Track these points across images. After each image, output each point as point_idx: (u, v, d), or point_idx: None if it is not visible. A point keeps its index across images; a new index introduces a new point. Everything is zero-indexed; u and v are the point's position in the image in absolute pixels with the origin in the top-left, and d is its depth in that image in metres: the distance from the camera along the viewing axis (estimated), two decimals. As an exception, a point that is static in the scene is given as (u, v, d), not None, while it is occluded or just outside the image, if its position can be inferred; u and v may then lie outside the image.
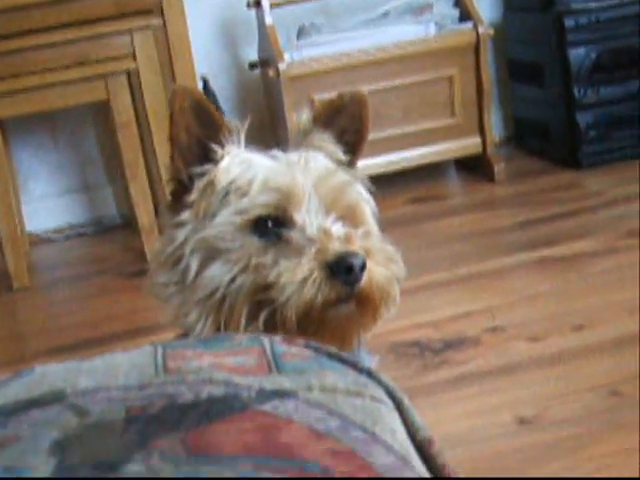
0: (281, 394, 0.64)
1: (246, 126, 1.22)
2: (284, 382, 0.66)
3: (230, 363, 0.69)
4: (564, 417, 1.94)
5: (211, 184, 1.18)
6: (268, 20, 3.57)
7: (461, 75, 3.67)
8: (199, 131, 1.19)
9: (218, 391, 0.64)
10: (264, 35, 3.64)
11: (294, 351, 0.73)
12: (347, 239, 1.12)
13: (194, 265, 1.15)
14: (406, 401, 0.68)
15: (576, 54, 3.61)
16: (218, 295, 1.12)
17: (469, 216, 3.42)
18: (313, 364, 0.70)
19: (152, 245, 3.09)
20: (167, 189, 1.24)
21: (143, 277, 1.27)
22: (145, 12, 3.25)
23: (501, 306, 2.55)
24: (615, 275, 2.62)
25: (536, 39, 3.82)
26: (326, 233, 1.12)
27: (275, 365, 0.69)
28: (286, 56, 3.49)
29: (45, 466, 0.57)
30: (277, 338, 0.76)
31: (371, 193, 1.24)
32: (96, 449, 0.59)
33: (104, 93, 3.21)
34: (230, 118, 1.25)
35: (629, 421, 1.87)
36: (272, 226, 1.14)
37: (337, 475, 0.55)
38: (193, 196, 1.18)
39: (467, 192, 3.78)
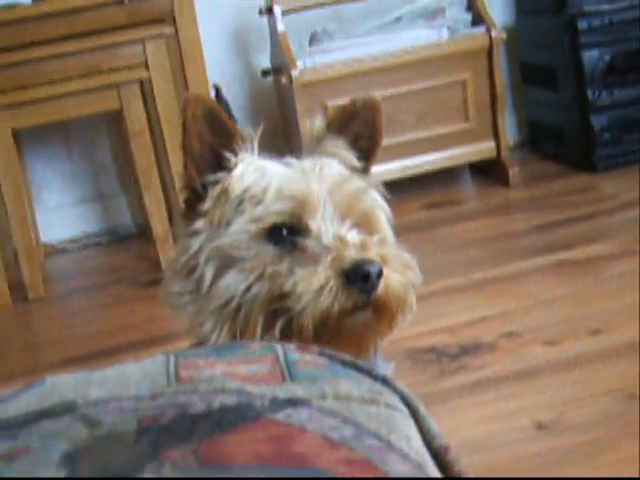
0: (294, 403, 0.63)
1: (259, 133, 1.22)
2: (297, 390, 0.65)
3: (243, 372, 0.69)
4: (581, 421, 1.93)
5: (225, 192, 1.17)
6: (280, 27, 3.57)
7: (474, 79, 3.66)
8: (212, 139, 1.18)
9: (230, 400, 0.63)
10: (276, 42, 3.64)
11: (308, 359, 0.72)
12: (363, 246, 1.10)
13: (209, 274, 1.14)
14: (422, 408, 0.68)
15: (589, 56, 3.60)
16: (233, 304, 1.11)
17: (484, 221, 3.41)
18: (327, 372, 0.70)
19: (167, 254, 3.09)
20: (181, 197, 1.23)
21: (158, 286, 1.26)
22: (157, 21, 3.25)
23: (517, 311, 2.53)
24: (631, 278, 2.60)
25: (549, 42, 3.81)
26: (342, 241, 1.11)
27: (288, 373, 0.69)
28: (299, 63, 3.49)
29: (55, 478, 0.56)
30: (291, 346, 0.75)
31: (386, 199, 1.23)
32: (107, 461, 0.58)
33: (117, 102, 3.21)
34: (243, 126, 1.24)
35: (647, 425, 1.86)
36: (287, 234, 1.13)
37: (352, 485, 0.54)
38: (207, 204, 1.18)
39: (482, 197, 3.77)
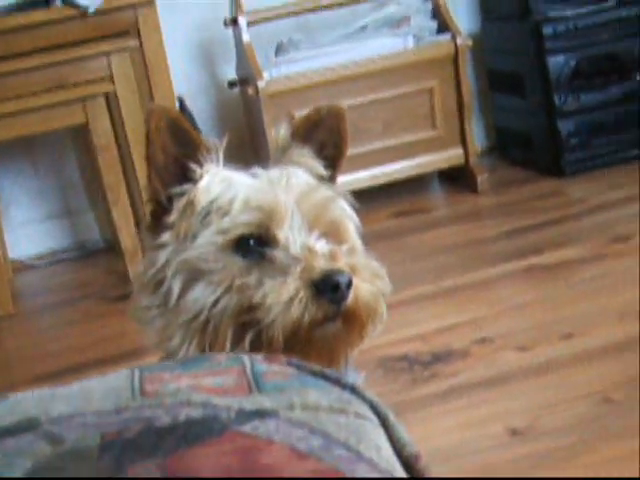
0: (261, 414, 0.62)
1: (225, 144, 1.20)
2: (264, 401, 0.64)
3: (209, 384, 0.68)
4: (555, 426, 1.93)
5: (191, 204, 1.15)
6: (245, 38, 3.56)
7: (441, 87, 3.66)
8: (176, 150, 1.16)
9: (196, 413, 0.62)
10: (242, 53, 3.64)
11: (275, 369, 0.71)
12: (332, 256, 1.09)
13: (176, 287, 1.13)
14: (391, 417, 0.67)
15: (555, 62, 3.61)
16: (202, 317, 1.10)
17: (453, 228, 3.41)
18: (295, 382, 0.69)
19: (136, 268, 3.07)
20: (146, 210, 1.22)
21: (127, 301, 1.24)
22: (121, 34, 3.24)
23: (488, 317, 2.54)
24: (602, 282, 2.61)
25: (515, 48, 3.82)
26: (310, 251, 1.09)
27: (255, 384, 0.68)
28: (265, 73, 3.48)
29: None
30: (258, 357, 0.74)
31: (354, 208, 1.22)
32: (69, 478, 0.57)
33: (83, 116, 3.19)
34: (209, 137, 1.23)
35: (621, 428, 1.86)
36: (255, 245, 1.12)
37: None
38: (173, 217, 1.16)
39: (451, 203, 3.78)
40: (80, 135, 3.70)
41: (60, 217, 3.97)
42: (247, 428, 0.60)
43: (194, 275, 1.12)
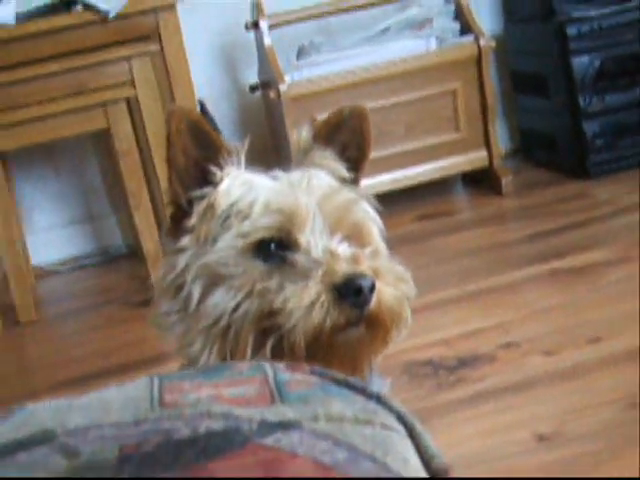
0: (284, 425, 0.60)
1: (246, 147, 1.18)
2: (288, 412, 0.62)
3: (230, 394, 0.65)
4: (582, 432, 1.89)
5: (211, 207, 1.13)
6: (267, 41, 3.55)
7: (464, 89, 3.64)
8: (197, 153, 1.15)
9: (217, 425, 0.60)
10: (263, 57, 3.62)
11: (299, 378, 0.69)
12: (354, 260, 1.07)
13: (196, 292, 1.11)
14: (418, 427, 0.64)
15: (579, 62, 3.58)
16: (222, 323, 1.08)
17: (478, 231, 3.38)
18: (319, 391, 0.66)
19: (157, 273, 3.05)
20: (167, 213, 1.20)
21: (149, 306, 1.22)
22: (142, 38, 3.23)
23: (514, 321, 2.50)
24: (629, 285, 2.58)
25: (538, 49, 3.79)
26: (332, 254, 1.07)
27: (278, 394, 0.65)
28: (286, 77, 3.47)
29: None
30: (280, 365, 0.72)
31: (377, 211, 1.20)
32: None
33: (104, 121, 3.18)
34: (231, 140, 1.21)
35: (650, 434, 1.83)
36: (276, 249, 1.10)
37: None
38: (193, 220, 1.14)
39: (475, 206, 3.74)
40: (101, 140, 3.69)
41: (82, 222, 3.96)
42: (269, 440, 0.58)
43: (214, 280, 1.10)
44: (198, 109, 3.53)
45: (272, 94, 3.47)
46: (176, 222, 1.17)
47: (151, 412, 0.62)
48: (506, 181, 3.68)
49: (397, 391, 1.23)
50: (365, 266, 1.07)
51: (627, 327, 2.30)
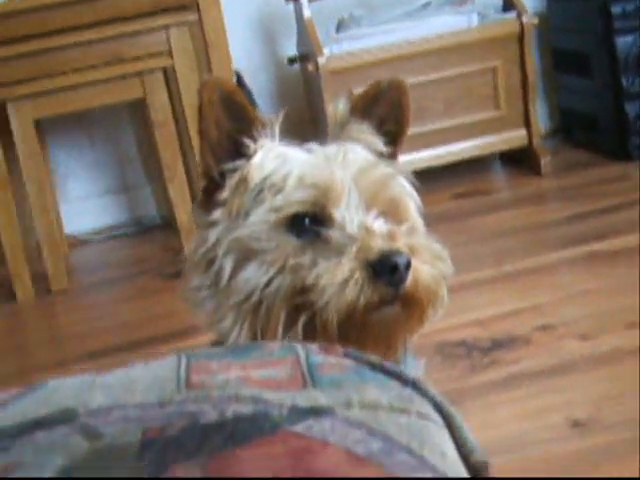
0: (316, 412, 0.57)
1: (280, 119, 1.15)
2: (320, 398, 0.59)
3: (260, 376, 0.62)
4: (618, 419, 1.86)
5: (244, 181, 1.11)
6: (307, 13, 3.51)
7: (505, 66, 3.58)
8: (230, 125, 1.12)
9: (245, 409, 0.57)
10: (303, 29, 3.59)
11: (332, 361, 0.66)
12: (390, 236, 1.04)
13: (228, 267, 1.08)
14: (458, 418, 0.61)
15: (623, 42, 3.51)
16: (254, 299, 1.05)
17: (515, 211, 3.33)
18: (353, 376, 0.63)
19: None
20: (199, 186, 1.17)
21: (180, 279, 1.20)
22: (181, 8, 3.20)
23: (550, 303, 2.46)
24: (668, 269, 2.53)
25: (581, 27, 3.72)
26: (368, 230, 1.04)
27: (310, 378, 0.62)
28: (325, 50, 3.43)
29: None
30: (313, 347, 0.69)
31: (414, 187, 1.16)
32: (105, 478, 0.52)
33: (140, 91, 3.16)
34: (267, 113, 1.18)
35: (687, 422, 1.79)
36: (309, 224, 1.07)
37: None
38: (225, 194, 1.11)
39: (513, 186, 3.69)
40: (137, 109, 3.67)
41: (117, 192, 3.95)
42: (300, 427, 0.55)
43: (246, 254, 1.07)
44: (234, 80, 3.50)
45: (310, 67, 3.43)
46: (208, 195, 1.14)
47: (177, 393, 0.60)
48: (545, 161, 3.62)
49: (429, 371, 1.20)
50: (401, 243, 1.04)
51: (666, 312, 2.26)
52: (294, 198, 1.07)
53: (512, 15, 3.56)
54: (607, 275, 2.59)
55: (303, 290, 1.03)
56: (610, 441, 1.78)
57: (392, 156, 1.18)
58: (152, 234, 3.83)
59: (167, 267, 3.30)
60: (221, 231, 1.10)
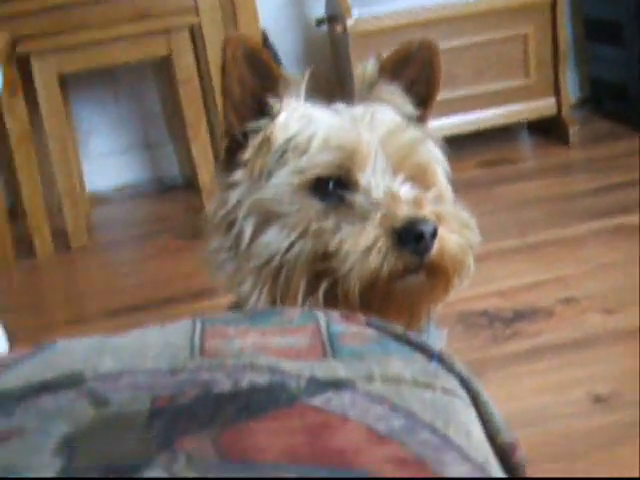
0: (336, 384, 0.54)
1: (306, 78, 1.12)
2: (340, 369, 0.56)
3: (278, 344, 0.59)
4: (641, 395, 1.83)
5: (267, 141, 1.07)
6: (336, -26, 3.46)
7: (536, 33, 3.52)
8: (253, 83, 1.08)
9: (262, 379, 0.54)
10: (331, -10, 3.54)
11: (354, 330, 0.63)
12: (417, 203, 1.01)
13: (248, 230, 1.05)
14: (484, 394, 0.58)
15: (658, 12, 3.44)
16: (274, 263, 1.02)
17: (541, 181, 3.29)
18: (375, 347, 0.60)
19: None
20: (221, 145, 1.14)
21: (200, 240, 1.17)
22: (209, -35, 3.16)
23: (574, 276, 2.42)
24: (695, 244, 2.48)
25: (615, -4, 3.65)
26: (393, 196, 1.01)
27: (330, 347, 0.59)
28: (354, 12, 3.38)
29: (48, 468, 0.47)
30: (335, 314, 0.66)
31: (444, 153, 1.13)
32: (111, 448, 0.49)
33: (166, 48, 3.12)
34: (292, 72, 1.15)
35: None
36: (334, 188, 1.03)
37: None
38: (247, 154, 1.08)
39: (540, 155, 3.64)
40: (162, 66, 3.64)
41: (139, 150, 3.92)
42: (318, 400, 0.52)
43: (267, 217, 1.04)
44: (260, 39, 3.46)
45: (338, 29, 3.39)
46: (230, 155, 1.11)
47: (190, 360, 0.57)
48: (573, 131, 3.57)
49: (451, 341, 1.18)
50: (428, 210, 1.01)
51: (692, 288, 2.22)
52: (318, 160, 1.03)
53: (545, -19, 3.50)
54: (632, 249, 2.55)
55: (325, 256, 1.00)
56: (632, 417, 1.76)
57: (421, 119, 1.15)
58: (173, 193, 3.80)
59: (188, 227, 3.28)
60: (242, 192, 1.07)
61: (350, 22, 3.34)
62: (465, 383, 0.59)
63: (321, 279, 1.00)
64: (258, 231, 1.04)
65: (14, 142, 3.14)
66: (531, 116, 3.65)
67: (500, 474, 0.51)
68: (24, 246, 3.23)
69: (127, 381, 0.55)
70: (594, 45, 3.91)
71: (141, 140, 3.92)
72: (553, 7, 3.48)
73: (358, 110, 1.10)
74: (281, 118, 1.08)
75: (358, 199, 1.01)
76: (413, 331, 0.67)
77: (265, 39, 3.50)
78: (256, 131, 1.08)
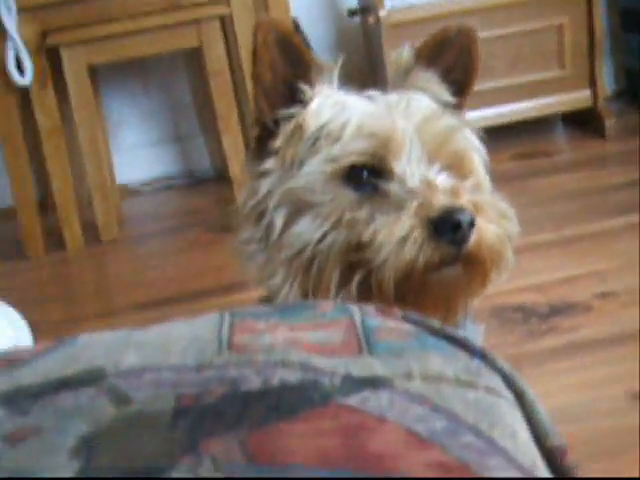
0: (373, 383, 0.50)
1: (339, 64, 1.09)
2: (376, 366, 0.52)
3: (310, 339, 0.56)
4: (680, 393, 1.78)
5: (299, 128, 1.04)
6: (369, -36, 3.42)
7: (572, 24, 3.46)
8: (285, 69, 1.05)
9: (293, 377, 0.50)
10: (364, -20, 3.50)
11: (390, 325, 0.59)
12: (453, 192, 0.97)
13: (279, 220, 1.02)
14: (530, 393, 0.54)
15: (696, 2, 3.38)
16: (306, 255, 1.00)
17: (577, 174, 3.23)
18: (414, 343, 0.57)
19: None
20: (252, 133, 1.11)
21: (231, 233, 1.15)
22: (240, -45, 3.13)
23: (611, 270, 2.38)
24: None
25: (653, -14, 3.59)
26: (429, 185, 0.98)
27: (366, 343, 0.56)
28: (387, 2, 3.34)
29: (66, 469, 0.44)
30: (370, 308, 0.62)
31: (482, 141, 1.09)
32: (132, 449, 0.46)
33: (197, 40, 3.10)
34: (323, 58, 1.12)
35: None
36: (367, 176, 1.01)
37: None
38: (279, 142, 1.05)
39: (575, 148, 3.59)
40: (193, 57, 3.61)
41: (170, 142, 3.89)
42: (354, 400, 0.48)
43: (299, 207, 1.01)
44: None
45: (371, 19, 3.35)
46: (261, 143, 1.08)
47: (217, 356, 0.53)
48: (609, 124, 3.51)
49: (486, 336, 1.15)
50: (465, 199, 0.98)
51: None
52: (352, 148, 1.00)
53: (581, -29, 3.45)
54: (671, 243, 2.50)
55: (359, 247, 0.97)
56: (671, 416, 1.71)
57: (458, 107, 1.11)
58: (204, 186, 3.77)
59: (219, 220, 3.25)
60: (273, 182, 1.04)
61: (383, 13, 3.31)
62: (509, 381, 0.55)
63: (354, 271, 0.97)
64: (289, 221, 1.01)
65: (44, 134, 3.13)
66: (566, 108, 3.59)
67: (546, 475, 0.47)
68: (54, 239, 3.21)
69: (150, 377, 0.52)
70: (630, 36, 3.85)
71: (172, 132, 3.89)
72: (589, -3, 3.43)
73: (393, 97, 1.07)
74: (313, 105, 1.05)
75: (393, 188, 0.98)
76: (450, 326, 0.64)
77: (297, 27, 3.47)
78: (288, 118, 1.06)
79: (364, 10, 3.56)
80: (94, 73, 3.38)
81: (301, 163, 1.02)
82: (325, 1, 3.88)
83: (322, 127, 1.03)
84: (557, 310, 2.17)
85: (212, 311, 0.63)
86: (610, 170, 3.31)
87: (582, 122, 3.64)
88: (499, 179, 1.08)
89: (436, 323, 0.61)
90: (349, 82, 1.10)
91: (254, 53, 1.04)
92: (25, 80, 3.00)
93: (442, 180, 1.00)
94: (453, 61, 1.11)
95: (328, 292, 0.98)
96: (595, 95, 3.52)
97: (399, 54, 1.13)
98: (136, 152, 3.84)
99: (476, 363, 0.55)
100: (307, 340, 0.56)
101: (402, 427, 0.46)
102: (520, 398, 0.54)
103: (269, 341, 0.55)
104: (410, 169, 1.00)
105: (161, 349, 0.56)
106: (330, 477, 0.42)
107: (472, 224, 0.95)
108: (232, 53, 3.22)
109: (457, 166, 1.04)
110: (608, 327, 2.06)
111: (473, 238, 0.96)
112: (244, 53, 3.08)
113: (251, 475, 0.42)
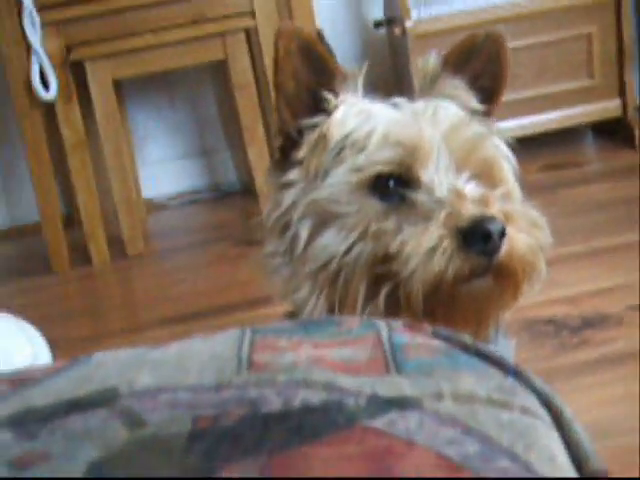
0: (401, 404, 0.47)
1: (364, 71, 1.07)
2: (405, 386, 0.49)
3: (335, 357, 0.53)
4: None
5: (323, 138, 1.02)
6: (394, -25, 3.40)
7: (600, 33, 3.43)
8: (308, 77, 1.03)
9: (316, 398, 0.47)
10: (390, -9, 3.48)
11: (419, 342, 0.57)
12: (483, 201, 0.95)
13: (304, 232, 1.00)
14: (568, 413, 0.51)
15: None
16: (332, 267, 0.97)
17: (607, 184, 3.19)
18: (444, 360, 0.54)
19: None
20: (275, 144, 1.09)
21: (255, 246, 1.12)
22: (264, -33, 3.11)
23: (644, 282, 2.33)
24: None
25: (683, -7, 3.55)
26: (458, 194, 0.95)
27: (393, 361, 0.53)
28: (413, 13, 3.32)
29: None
30: (397, 324, 0.59)
31: (512, 150, 1.06)
32: (145, 476, 0.43)
33: (222, 52, 3.08)
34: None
35: None
36: (394, 186, 0.98)
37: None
38: (302, 152, 1.03)
39: (605, 159, 3.55)
40: (219, 70, 3.60)
41: (196, 156, 3.88)
42: (381, 423, 0.45)
43: (324, 218, 0.98)
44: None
45: (397, 31, 3.33)
46: (284, 154, 1.06)
47: (236, 376, 0.51)
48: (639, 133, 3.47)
49: (517, 350, 1.12)
50: (495, 209, 0.95)
51: None
52: (378, 157, 0.98)
53: (609, -21, 3.41)
54: None
55: (386, 258, 0.94)
56: None
57: (487, 115, 1.08)
58: (231, 200, 3.76)
59: (245, 234, 3.23)
60: (297, 193, 1.02)
61: (409, 24, 3.28)
62: (545, 400, 0.52)
63: (382, 283, 0.94)
64: (314, 233, 0.99)
65: (69, 148, 3.12)
66: (595, 118, 3.55)
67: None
68: (80, 254, 3.20)
69: (166, 398, 0.49)
70: (660, 45, 3.82)
71: (197, 146, 3.88)
72: (617, 5, 3.39)
73: (419, 105, 1.05)
74: (338, 114, 1.03)
75: (420, 198, 0.96)
76: (481, 341, 0.61)
77: (321, 38, 3.45)
78: (311, 128, 1.03)
79: (390, 21, 3.54)
80: (119, 87, 3.38)
81: (326, 173, 1.00)
82: (350, 13, 3.86)
83: (347, 136, 1.01)
84: (589, 323, 2.13)
85: (235, 327, 0.61)
86: (640, 181, 3.27)
87: (612, 132, 3.60)
88: (528, 190, 1.06)
89: (467, 339, 0.58)
90: (375, 92, 1.08)
91: (276, 61, 1.02)
92: (50, 95, 2.99)
93: (471, 189, 0.98)
94: (481, 68, 1.09)
95: (355, 306, 0.96)
96: (625, 105, 3.48)
97: (426, 61, 1.11)
98: (162, 166, 3.83)
99: (510, 381, 0.52)
100: (331, 358, 0.53)
101: (432, 451, 0.43)
102: (557, 418, 0.51)
103: (291, 359, 0.52)
104: (438, 178, 0.97)
105: (178, 368, 0.53)
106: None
107: (503, 234, 0.93)
108: (257, 66, 3.21)
109: (486, 174, 1.02)
110: (641, 340, 2.03)
111: (504, 248, 0.93)
112: (269, 66, 3.06)
113: (271, 505, 0.40)
